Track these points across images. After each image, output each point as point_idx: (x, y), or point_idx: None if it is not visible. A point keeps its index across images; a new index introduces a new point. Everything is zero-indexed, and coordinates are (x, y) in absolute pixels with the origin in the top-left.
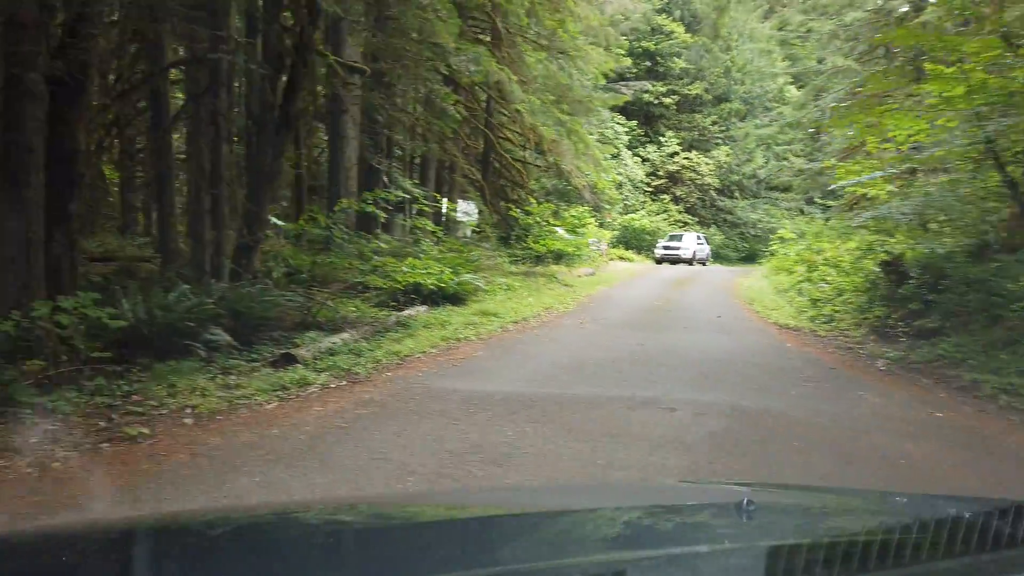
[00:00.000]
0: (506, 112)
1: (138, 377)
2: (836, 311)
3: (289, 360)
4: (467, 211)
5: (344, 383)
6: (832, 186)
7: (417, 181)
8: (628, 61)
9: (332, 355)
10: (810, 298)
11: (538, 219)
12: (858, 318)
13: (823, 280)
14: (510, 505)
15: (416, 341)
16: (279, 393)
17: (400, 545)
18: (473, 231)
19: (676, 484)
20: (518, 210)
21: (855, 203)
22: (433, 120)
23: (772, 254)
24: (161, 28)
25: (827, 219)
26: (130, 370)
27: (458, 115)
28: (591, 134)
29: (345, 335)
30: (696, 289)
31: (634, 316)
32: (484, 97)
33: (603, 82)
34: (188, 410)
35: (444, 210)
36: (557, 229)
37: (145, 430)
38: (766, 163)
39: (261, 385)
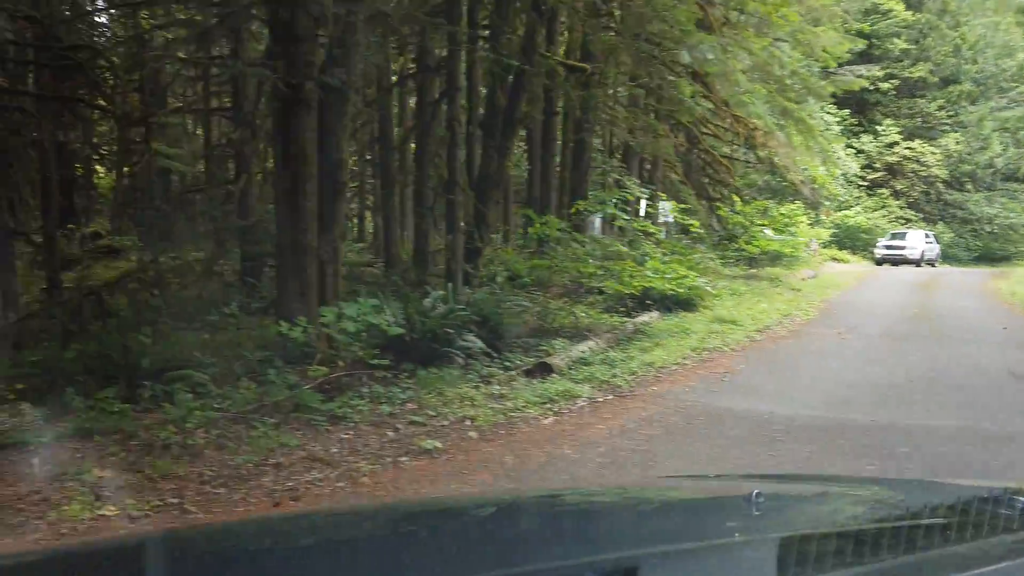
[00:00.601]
0: (711, 105)
1: (407, 384)
2: None
3: (545, 369)
4: (663, 211)
5: (610, 397)
6: None
7: (637, 181)
8: (862, 43)
9: (585, 364)
10: None
11: (747, 219)
12: None
13: None
14: (522, 506)
15: (666, 351)
16: (549, 406)
17: (415, 547)
18: (690, 232)
19: (684, 479)
20: (727, 209)
21: None
22: (641, 115)
23: None
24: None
25: None
26: (397, 376)
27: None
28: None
29: (590, 343)
30: (946, 293)
31: (895, 326)
32: (689, 92)
33: (834, 66)
34: (468, 422)
35: (643, 211)
36: (764, 229)
37: (438, 443)
38: (1004, 150)
39: (528, 397)
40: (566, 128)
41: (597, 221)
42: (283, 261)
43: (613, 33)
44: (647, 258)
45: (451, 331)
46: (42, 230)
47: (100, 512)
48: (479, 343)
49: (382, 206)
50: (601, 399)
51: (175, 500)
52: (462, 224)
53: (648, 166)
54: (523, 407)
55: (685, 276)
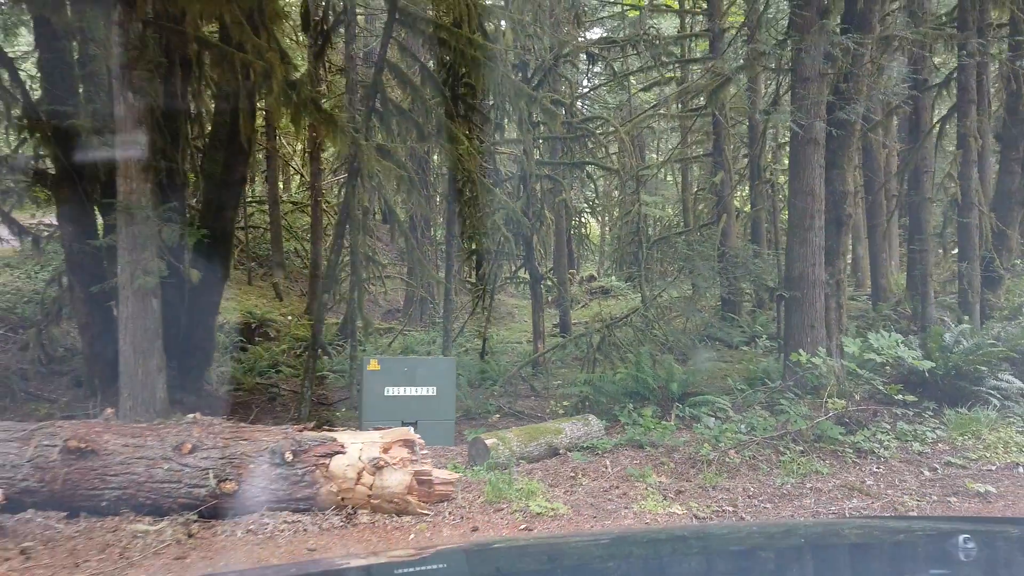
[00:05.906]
0: None
1: (932, 423)
2: None
3: None
4: None
5: None
6: None
7: None
8: None
9: None
10: None
11: None
12: None
13: None
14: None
15: None
16: None
17: None
18: None
19: (875, 519)
20: None
21: None
22: None
23: None
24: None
25: None
26: (921, 415)
27: None
28: None
29: None
30: None
31: None
32: None
33: None
34: (1020, 468)
35: None
36: None
37: (990, 487)
38: None
39: None
40: None
41: None
42: (791, 294)
43: None
44: None
45: (982, 368)
46: (553, 274)
47: (670, 510)
48: (1017, 383)
49: (869, 234)
50: None
51: (730, 508)
52: (978, 251)
53: None
54: None
55: None
